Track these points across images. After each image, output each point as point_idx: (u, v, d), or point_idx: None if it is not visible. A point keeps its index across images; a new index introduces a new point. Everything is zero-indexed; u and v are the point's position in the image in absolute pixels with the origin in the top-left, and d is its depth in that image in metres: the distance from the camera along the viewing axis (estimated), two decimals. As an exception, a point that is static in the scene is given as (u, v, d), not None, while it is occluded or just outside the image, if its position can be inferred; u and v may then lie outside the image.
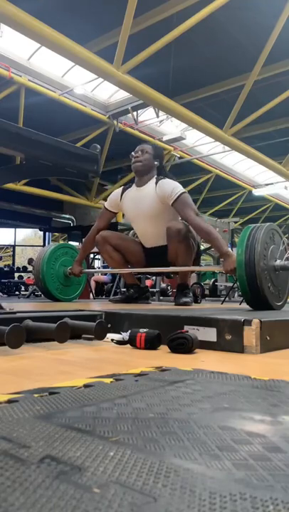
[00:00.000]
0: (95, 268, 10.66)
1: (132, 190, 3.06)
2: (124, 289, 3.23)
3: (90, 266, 7.46)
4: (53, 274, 3.29)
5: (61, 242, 19.09)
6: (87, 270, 2.99)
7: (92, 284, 7.34)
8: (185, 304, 2.96)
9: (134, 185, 3.06)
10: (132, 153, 3.04)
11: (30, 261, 12.56)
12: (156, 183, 2.89)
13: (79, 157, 1.81)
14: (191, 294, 3.13)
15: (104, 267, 9.66)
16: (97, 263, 11.05)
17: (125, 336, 1.50)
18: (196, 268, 3.10)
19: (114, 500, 0.34)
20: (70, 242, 14.06)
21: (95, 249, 6.52)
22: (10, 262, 17.10)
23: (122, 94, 8.69)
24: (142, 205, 2.96)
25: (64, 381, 0.84)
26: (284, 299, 2.33)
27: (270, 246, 2.22)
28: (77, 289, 3.50)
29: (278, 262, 2.24)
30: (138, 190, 3.00)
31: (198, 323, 1.49)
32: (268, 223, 2.29)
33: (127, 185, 3.13)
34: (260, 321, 1.38)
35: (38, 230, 16.42)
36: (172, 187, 2.81)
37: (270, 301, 2.13)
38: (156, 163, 3.01)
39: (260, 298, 2.11)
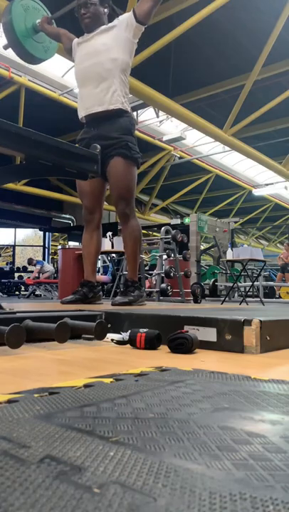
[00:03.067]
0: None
1: (85, 37, 2.80)
2: (80, 288, 2.86)
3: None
4: (24, 29, 3.00)
5: (61, 242, 19.11)
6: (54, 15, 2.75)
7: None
8: (121, 304, 2.64)
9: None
10: (75, 13, 2.79)
11: (30, 261, 12.57)
12: (112, 21, 2.72)
13: (79, 157, 1.81)
14: (136, 293, 2.80)
15: (104, 267, 9.65)
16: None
17: (125, 336, 1.50)
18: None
19: (114, 500, 0.34)
20: (70, 243, 14.10)
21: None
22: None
23: (122, 94, 8.68)
24: (95, 38, 2.70)
25: (64, 381, 0.84)
26: None
27: None
28: (47, 49, 3.19)
29: None
30: (90, 34, 2.75)
31: (198, 323, 1.49)
32: None
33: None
34: (260, 321, 1.38)
35: (38, 230, 16.42)
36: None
37: None
38: (105, 10, 2.77)
39: None
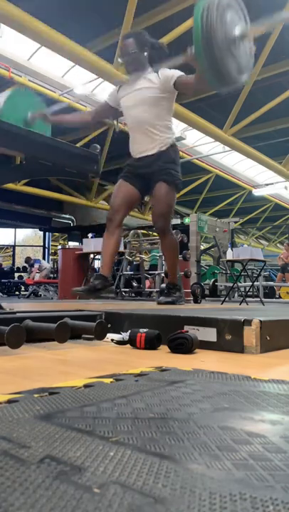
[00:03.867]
0: (95, 267, 10.63)
1: (130, 83, 3.09)
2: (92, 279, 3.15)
3: (90, 266, 7.45)
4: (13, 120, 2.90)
5: (61, 242, 19.10)
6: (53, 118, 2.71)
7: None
8: (167, 303, 3.06)
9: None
10: (119, 59, 3.14)
11: (27, 260, 12.60)
12: (157, 72, 2.97)
13: (79, 157, 1.81)
14: (177, 294, 3.21)
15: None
16: (97, 263, 11.05)
17: (125, 336, 1.50)
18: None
19: (114, 500, 0.34)
20: (70, 243, 14.10)
21: (96, 250, 6.52)
22: (10, 263, 17.10)
23: (122, 95, 8.68)
24: (141, 91, 2.98)
25: (64, 381, 0.84)
26: (246, 73, 2.15)
27: (228, 11, 1.96)
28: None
29: (239, 30, 2.00)
30: (135, 81, 3.03)
31: (198, 323, 1.49)
32: None
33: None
34: (260, 321, 1.38)
35: (38, 230, 16.40)
36: (174, 71, 2.93)
37: (231, 73, 1.99)
38: (145, 54, 3.01)
39: (219, 69, 1.95)
